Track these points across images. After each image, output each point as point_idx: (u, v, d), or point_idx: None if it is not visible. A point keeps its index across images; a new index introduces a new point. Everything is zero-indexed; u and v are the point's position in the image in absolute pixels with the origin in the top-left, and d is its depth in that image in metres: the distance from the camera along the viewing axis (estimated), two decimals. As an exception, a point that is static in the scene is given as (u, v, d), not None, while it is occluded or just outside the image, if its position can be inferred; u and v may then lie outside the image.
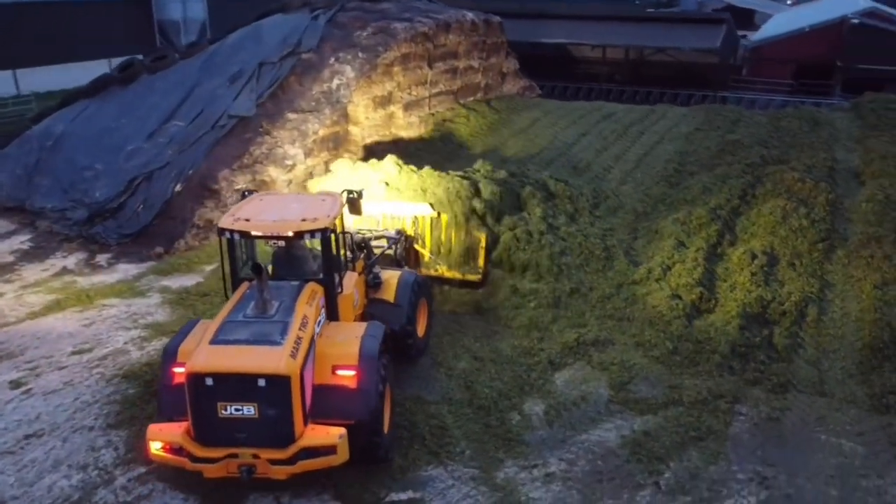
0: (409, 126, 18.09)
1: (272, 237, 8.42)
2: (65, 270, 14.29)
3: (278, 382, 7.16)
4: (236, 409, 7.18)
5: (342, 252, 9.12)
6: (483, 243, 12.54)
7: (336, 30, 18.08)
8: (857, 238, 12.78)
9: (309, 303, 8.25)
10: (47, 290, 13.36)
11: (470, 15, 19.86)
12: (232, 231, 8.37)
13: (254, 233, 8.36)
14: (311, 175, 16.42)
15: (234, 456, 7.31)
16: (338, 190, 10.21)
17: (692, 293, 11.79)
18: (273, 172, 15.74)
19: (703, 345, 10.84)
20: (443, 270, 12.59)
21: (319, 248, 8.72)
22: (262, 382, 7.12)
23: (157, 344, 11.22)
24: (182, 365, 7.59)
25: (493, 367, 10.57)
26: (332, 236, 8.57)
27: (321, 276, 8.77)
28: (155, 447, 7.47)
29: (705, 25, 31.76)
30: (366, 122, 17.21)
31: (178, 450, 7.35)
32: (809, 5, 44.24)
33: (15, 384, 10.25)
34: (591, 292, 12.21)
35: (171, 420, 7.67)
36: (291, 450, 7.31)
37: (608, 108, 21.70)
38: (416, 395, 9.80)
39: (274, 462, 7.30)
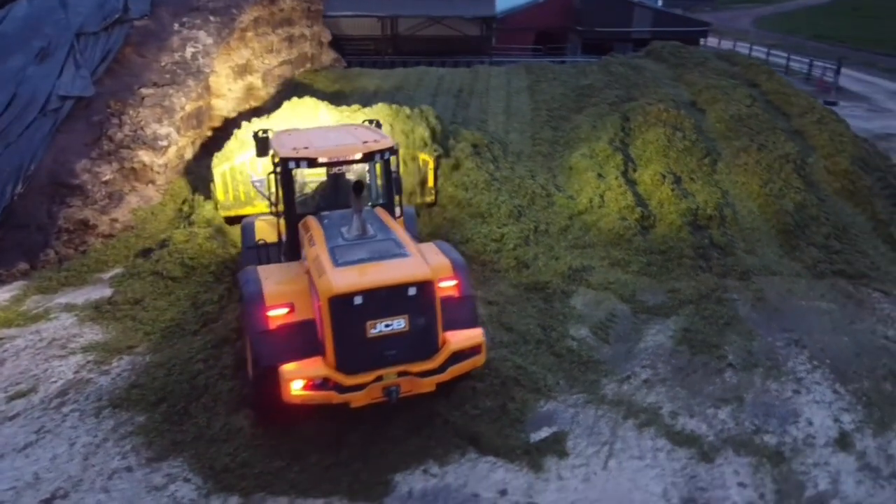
0: (268, 97, 16.46)
1: (341, 162, 8.33)
2: None
3: (426, 289, 7.00)
4: (386, 325, 6.88)
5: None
6: (432, 165, 13.13)
7: (166, -8, 15.69)
8: (728, 151, 15.12)
9: (393, 223, 8.20)
10: None
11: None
12: (298, 159, 8.06)
13: (321, 159, 8.15)
14: (182, 157, 14.22)
15: (379, 379, 7.00)
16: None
17: (634, 213, 12.92)
18: (145, 157, 13.28)
19: (668, 254, 12.02)
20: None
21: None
22: (411, 291, 6.90)
23: (122, 364, 9.06)
24: (276, 307, 7.19)
25: (513, 307, 10.50)
26: (393, 158, 8.61)
27: (380, 201, 8.86)
28: (296, 387, 6.79)
29: None
30: (229, 95, 15.30)
31: (322, 384, 6.83)
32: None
33: (-38, 451, 7.51)
34: (549, 227, 12.69)
35: (270, 370, 6.95)
36: (440, 357, 7.15)
37: (434, 73, 22.13)
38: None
39: (423, 374, 7.10)
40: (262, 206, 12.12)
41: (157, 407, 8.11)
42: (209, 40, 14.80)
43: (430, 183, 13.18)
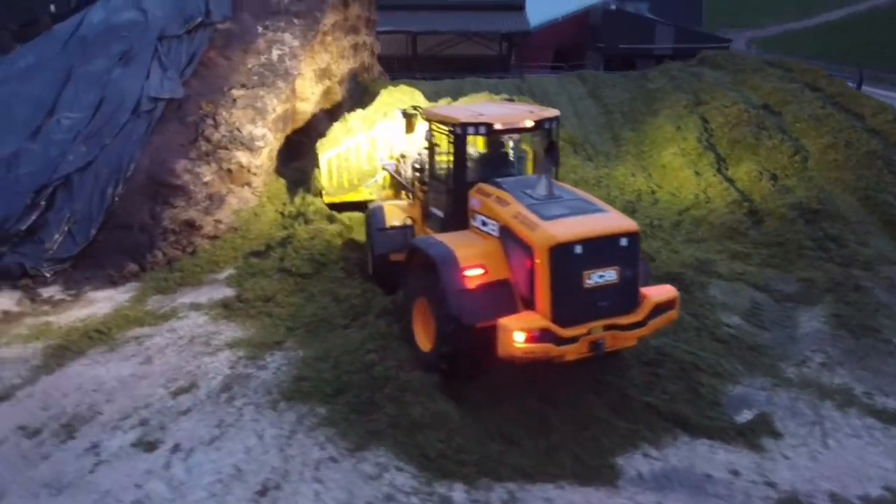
0: (342, 101, 16.24)
1: (514, 129, 8.56)
2: (9, 316, 10.08)
3: (635, 240, 7.15)
4: (600, 276, 6.97)
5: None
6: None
7: (243, -4, 15.47)
8: (815, 149, 15.12)
9: (570, 186, 8.50)
10: (19, 339, 9.32)
11: (362, -16, 18.54)
12: (477, 125, 8.22)
13: (497, 126, 8.31)
14: (272, 159, 13.91)
15: (587, 333, 7.02)
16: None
17: (742, 208, 12.87)
18: (242, 157, 12.95)
19: (786, 245, 11.94)
20: None
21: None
22: (623, 242, 7.04)
23: (276, 358, 8.68)
24: (471, 268, 7.34)
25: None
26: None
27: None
28: (519, 339, 6.75)
29: (510, 11, 34.18)
30: (311, 98, 15.05)
31: (541, 335, 6.80)
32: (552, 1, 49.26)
33: (147, 445, 7.11)
34: (661, 222, 12.59)
35: (473, 327, 7.10)
36: (643, 310, 7.23)
37: (484, 83, 22.06)
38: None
39: (627, 328, 7.14)
40: (364, 192, 12.38)
41: (337, 398, 7.72)
42: (295, 42, 14.58)
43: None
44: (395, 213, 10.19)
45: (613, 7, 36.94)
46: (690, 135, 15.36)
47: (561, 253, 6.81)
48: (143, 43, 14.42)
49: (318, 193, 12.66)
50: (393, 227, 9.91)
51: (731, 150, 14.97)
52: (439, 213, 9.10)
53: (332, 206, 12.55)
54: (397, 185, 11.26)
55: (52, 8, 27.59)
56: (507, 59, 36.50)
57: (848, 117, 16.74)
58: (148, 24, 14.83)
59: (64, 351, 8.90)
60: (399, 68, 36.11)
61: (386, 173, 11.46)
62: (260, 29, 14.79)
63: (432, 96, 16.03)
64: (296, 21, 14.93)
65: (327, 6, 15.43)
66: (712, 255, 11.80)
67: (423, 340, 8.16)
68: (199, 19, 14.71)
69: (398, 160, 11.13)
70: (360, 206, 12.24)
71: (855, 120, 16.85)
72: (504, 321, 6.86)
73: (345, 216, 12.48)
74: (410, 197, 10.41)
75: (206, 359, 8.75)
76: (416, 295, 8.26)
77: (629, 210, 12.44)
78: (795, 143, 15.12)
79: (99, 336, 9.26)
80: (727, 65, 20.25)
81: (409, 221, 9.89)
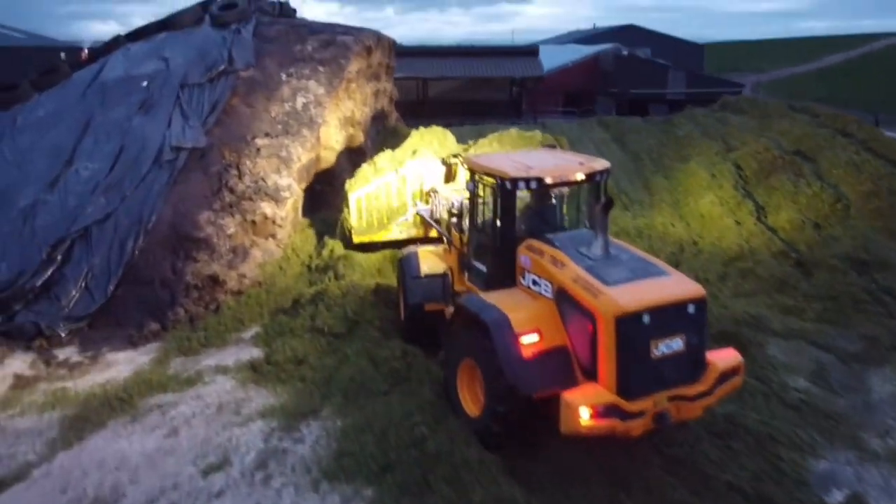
0: (365, 149, 15.83)
1: (564, 182, 7.97)
2: (22, 381, 9.43)
3: (702, 306, 6.76)
4: (667, 346, 6.53)
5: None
6: None
7: (267, 44, 15.14)
8: (855, 196, 14.61)
9: (625, 243, 8.04)
10: (34, 407, 8.65)
11: (380, 33, 18.26)
12: (528, 180, 7.70)
13: (548, 180, 7.79)
14: (297, 209, 13.40)
15: (653, 405, 6.57)
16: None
17: (789, 259, 12.34)
18: (267, 208, 12.44)
19: (839, 300, 11.27)
20: None
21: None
22: (691, 309, 6.64)
23: (313, 429, 8.01)
24: (527, 333, 6.86)
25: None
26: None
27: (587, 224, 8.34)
28: (585, 416, 6.26)
29: (524, 57, 34.21)
30: (336, 147, 14.63)
31: (606, 412, 6.32)
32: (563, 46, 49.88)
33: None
34: (707, 275, 11.99)
35: (531, 399, 6.71)
36: (709, 379, 6.79)
37: (503, 129, 21.75)
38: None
39: (693, 398, 6.68)
40: (394, 230, 12.31)
41: (384, 477, 7.04)
42: (320, 90, 14.21)
43: None
44: (431, 260, 9.75)
45: (625, 53, 37.05)
46: (726, 182, 14.90)
47: (628, 322, 6.37)
48: (165, 91, 14.06)
49: (348, 234, 12.41)
50: (428, 276, 9.46)
51: (769, 198, 14.47)
52: (482, 268, 8.59)
53: (362, 247, 12.35)
54: (428, 226, 10.99)
55: (63, 56, 27.65)
56: (519, 103, 36.43)
57: (885, 164, 16.31)
58: (169, 72, 14.51)
59: (83, 422, 8.24)
60: (408, 114, 36.09)
61: (416, 211, 11.36)
62: (284, 76, 14.44)
63: (459, 139, 15.68)
64: (320, 68, 14.59)
65: (352, 53, 15.11)
66: (764, 310, 11.17)
67: (470, 405, 7.65)
68: (222, 67, 14.40)
69: (429, 195, 10.85)
70: (389, 245, 12.22)
71: (892, 166, 16.42)
72: (568, 396, 6.39)
73: (374, 264, 11.99)
74: (447, 243, 9.91)
75: (236, 430, 8.07)
76: (462, 356, 7.74)
77: (673, 262, 11.88)
78: (835, 191, 14.61)
79: (120, 404, 8.60)
80: (751, 110, 19.96)
81: (445, 269, 9.38)
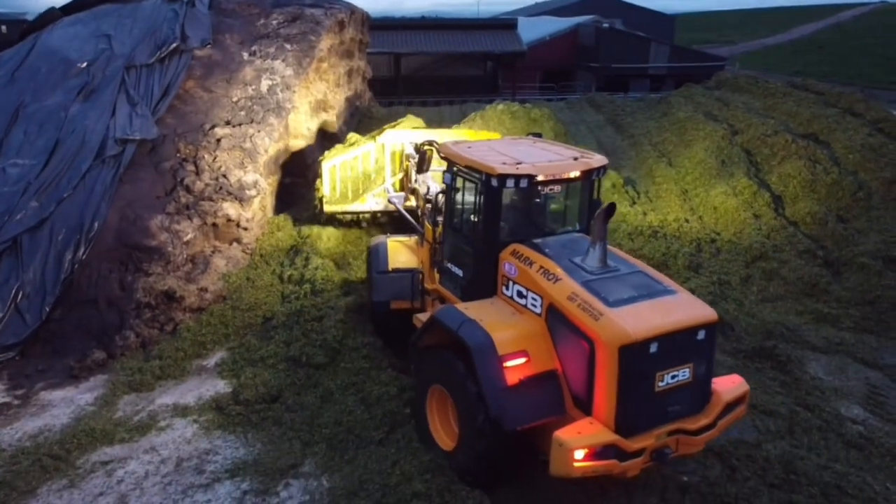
0: (340, 135, 14.16)
1: (558, 180, 6.83)
2: (-64, 429, 7.80)
3: (712, 331, 5.96)
4: (673, 377, 5.74)
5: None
6: None
7: (226, 18, 13.35)
8: (877, 184, 13.43)
9: (621, 252, 7.02)
10: (-53, 470, 7.06)
11: (353, 4, 16.47)
12: (518, 177, 6.57)
13: (539, 177, 6.68)
14: (264, 209, 11.82)
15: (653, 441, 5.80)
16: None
17: (816, 257, 11.21)
18: (231, 209, 10.83)
19: (877, 304, 10.28)
20: None
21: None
22: (701, 335, 5.85)
23: (292, 492, 6.62)
24: (511, 357, 5.98)
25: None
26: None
27: (578, 227, 7.27)
28: (580, 456, 5.45)
29: (501, 31, 32.39)
30: (307, 135, 12.99)
31: (603, 453, 5.52)
32: (538, 18, 47.61)
33: None
34: (729, 278, 10.80)
35: (515, 433, 5.91)
36: (714, 410, 6.05)
37: (482, 109, 20.27)
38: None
39: (696, 431, 5.90)
40: (365, 200, 11.66)
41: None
42: (288, 71, 12.51)
43: None
44: (401, 253, 8.70)
45: (606, 25, 35.50)
46: (737, 170, 13.68)
47: (633, 352, 5.51)
48: (108, 74, 12.29)
49: (319, 204, 11.67)
50: (396, 270, 8.36)
51: (786, 187, 13.31)
52: (459, 272, 7.41)
53: (333, 218, 11.82)
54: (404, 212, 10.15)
55: (3, 29, 25.17)
56: (495, 80, 34.78)
57: (901, 145, 15.24)
58: (112, 52, 12.71)
59: (7, 490, 6.69)
60: (380, 93, 34.32)
61: (394, 181, 10.85)
62: (246, 56, 12.74)
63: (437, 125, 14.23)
64: (288, 46, 12.91)
65: (323, 29, 13.44)
66: (794, 318, 10.05)
67: (443, 437, 6.79)
68: (174, 45, 12.65)
69: (408, 161, 10.21)
70: (362, 220, 11.95)
71: (908, 148, 15.36)
72: (561, 436, 5.51)
73: (358, 272, 10.58)
74: (419, 237, 8.68)
75: (199, 496, 6.63)
76: (431, 381, 6.74)
77: (693, 265, 10.67)
78: (855, 178, 13.48)
79: (55, 464, 7.06)
80: (751, 88, 18.74)
81: (416, 265, 8.30)
